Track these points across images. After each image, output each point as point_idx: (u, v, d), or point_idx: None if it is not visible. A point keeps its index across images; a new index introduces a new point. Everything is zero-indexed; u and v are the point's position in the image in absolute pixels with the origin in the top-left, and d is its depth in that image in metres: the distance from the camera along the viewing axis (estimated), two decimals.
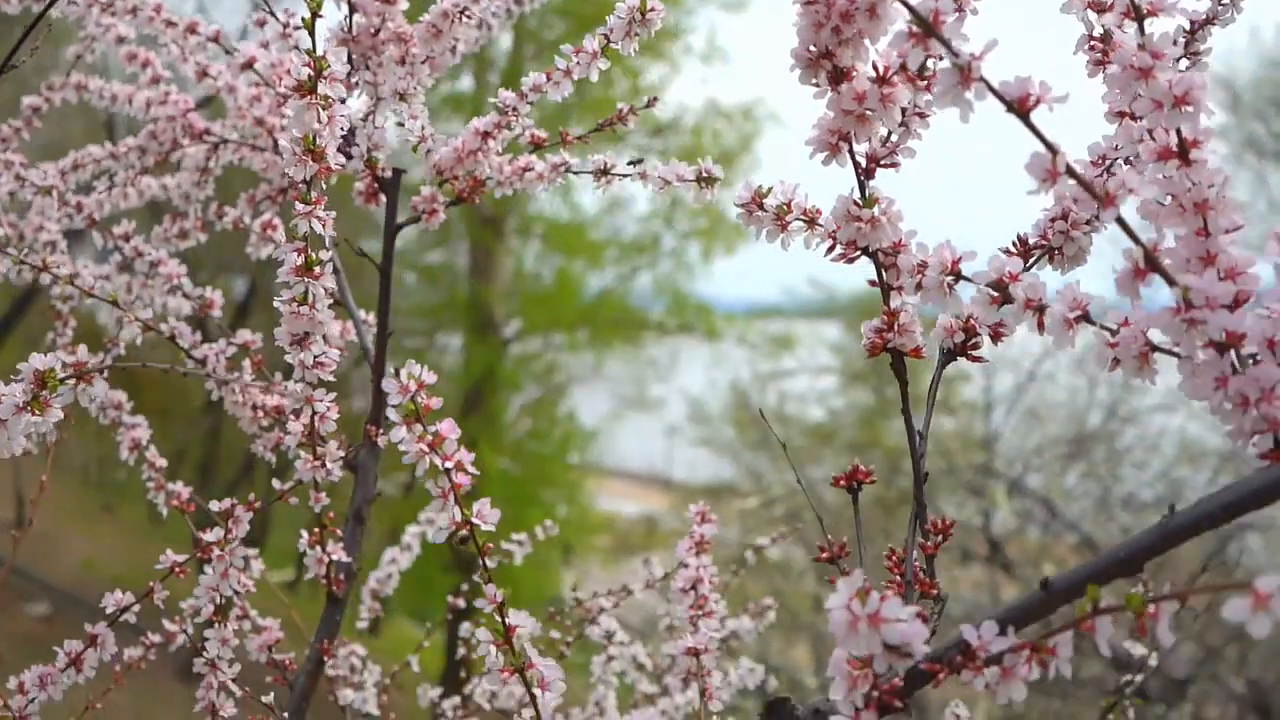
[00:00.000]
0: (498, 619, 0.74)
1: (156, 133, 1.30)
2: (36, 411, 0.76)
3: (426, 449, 0.71)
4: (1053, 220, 0.79)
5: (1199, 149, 0.62)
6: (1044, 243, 0.79)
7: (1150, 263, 0.59)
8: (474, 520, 0.73)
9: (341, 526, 1.12)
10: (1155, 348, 0.63)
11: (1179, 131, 0.62)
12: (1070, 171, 0.58)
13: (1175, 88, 0.61)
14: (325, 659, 1.12)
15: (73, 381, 0.73)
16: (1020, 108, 0.59)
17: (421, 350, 12.20)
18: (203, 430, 10.09)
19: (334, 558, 1.09)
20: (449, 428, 0.72)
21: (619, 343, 12.29)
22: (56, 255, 1.36)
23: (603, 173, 1.07)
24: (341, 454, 1.03)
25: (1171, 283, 0.59)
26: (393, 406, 0.71)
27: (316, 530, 1.08)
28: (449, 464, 0.72)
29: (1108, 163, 0.80)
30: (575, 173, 1.09)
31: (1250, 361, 0.60)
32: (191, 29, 1.17)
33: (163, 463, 1.20)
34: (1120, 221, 0.59)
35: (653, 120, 11.53)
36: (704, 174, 0.96)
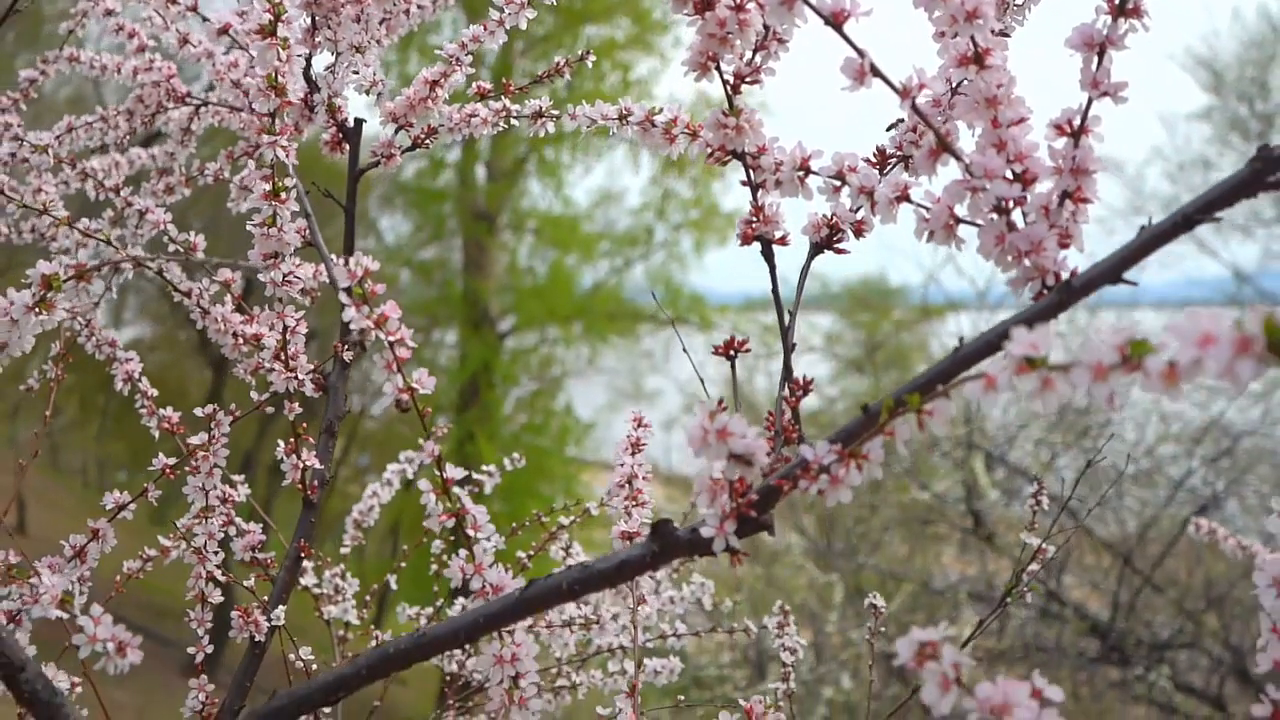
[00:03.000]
0: (436, 472, 0.88)
1: (143, 96, 1.44)
2: (43, 310, 0.90)
3: (373, 325, 0.85)
4: (906, 132, 0.93)
5: (991, 55, 0.76)
6: (898, 152, 0.93)
7: (942, 144, 0.73)
8: (414, 385, 0.86)
9: (316, 438, 1.26)
10: (959, 219, 0.77)
11: (974, 40, 0.76)
12: (874, 71, 0.72)
13: (967, 4, 0.75)
14: (302, 556, 1.25)
15: (74, 281, 0.87)
16: (835, 20, 0.72)
17: (418, 346, 12.30)
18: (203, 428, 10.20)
19: (308, 464, 1.22)
20: (392, 308, 0.86)
21: (614, 335, 12.43)
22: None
23: (538, 115, 1.21)
24: (311, 368, 1.17)
25: (958, 159, 0.73)
26: (343, 290, 0.84)
27: (292, 440, 1.21)
28: (393, 338, 0.85)
29: (955, 82, 0.94)
30: (515, 117, 1.23)
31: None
32: None
33: (154, 392, 1.33)
34: (916, 111, 0.73)
35: None
36: (624, 113, 1.09)
